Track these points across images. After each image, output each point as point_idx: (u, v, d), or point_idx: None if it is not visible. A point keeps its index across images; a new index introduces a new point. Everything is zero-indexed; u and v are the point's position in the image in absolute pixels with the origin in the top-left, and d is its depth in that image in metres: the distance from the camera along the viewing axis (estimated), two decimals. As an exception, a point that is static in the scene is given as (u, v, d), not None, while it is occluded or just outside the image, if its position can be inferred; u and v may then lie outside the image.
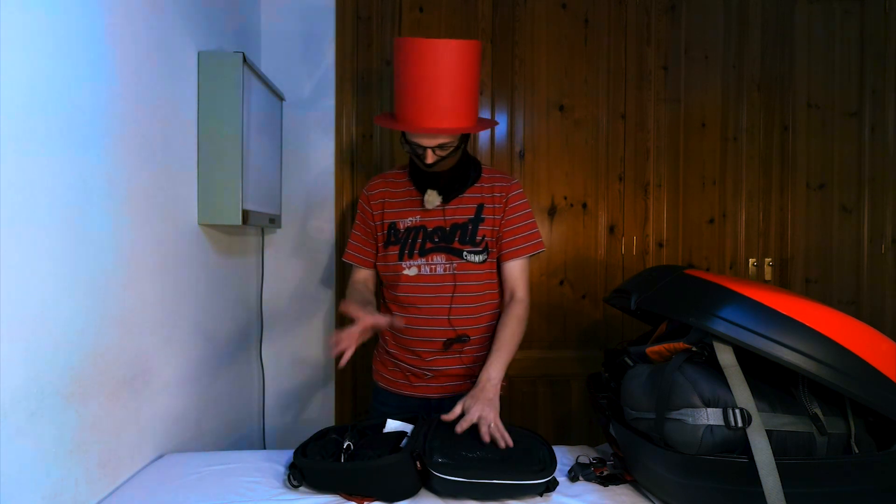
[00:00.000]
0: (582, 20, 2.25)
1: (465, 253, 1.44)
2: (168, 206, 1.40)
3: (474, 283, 1.46)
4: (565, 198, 2.26)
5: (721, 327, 0.99)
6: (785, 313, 0.98)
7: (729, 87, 2.29)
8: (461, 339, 1.44)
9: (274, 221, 1.93)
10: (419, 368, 1.49)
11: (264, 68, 2.10)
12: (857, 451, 0.99)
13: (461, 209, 1.46)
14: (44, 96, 0.95)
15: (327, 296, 2.20)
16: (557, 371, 2.26)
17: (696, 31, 2.28)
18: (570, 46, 2.24)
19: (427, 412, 1.43)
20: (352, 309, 1.32)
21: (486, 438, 1.15)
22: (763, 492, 0.89)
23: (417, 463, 1.07)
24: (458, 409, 1.23)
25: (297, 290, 2.18)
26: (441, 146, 1.35)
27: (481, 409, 1.20)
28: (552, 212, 2.25)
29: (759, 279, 2.29)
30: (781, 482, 0.89)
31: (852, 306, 2.31)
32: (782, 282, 2.30)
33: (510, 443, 1.16)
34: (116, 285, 1.16)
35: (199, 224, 1.56)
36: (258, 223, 1.74)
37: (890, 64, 2.30)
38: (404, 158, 2.21)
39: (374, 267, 1.56)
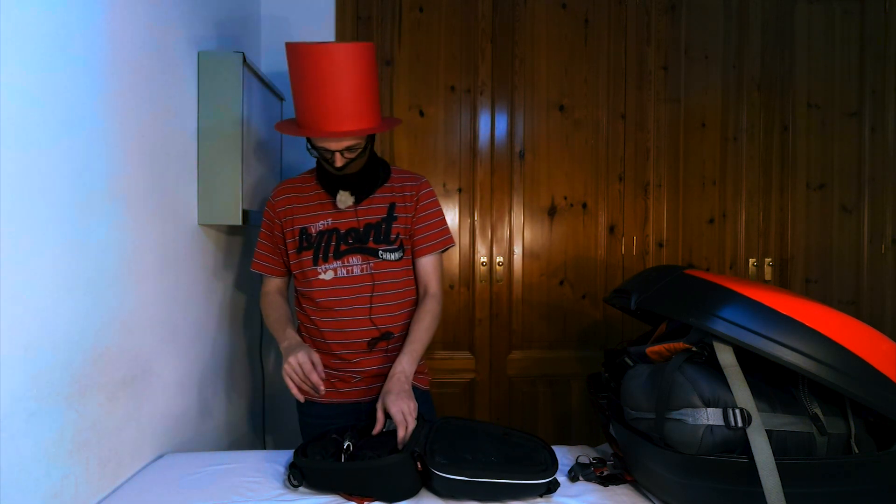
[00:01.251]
0: (582, 20, 2.25)
1: (380, 252, 1.44)
2: (168, 206, 1.40)
3: (393, 281, 1.45)
4: (565, 198, 2.26)
5: (721, 327, 0.99)
6: (785, 313, 0.98)
7: (729, 87, 2.29)
8: (385, 336, 1.44)
9: (274, 221, 1.93)
10: (345, 372, 1.46)
11: (264, 68, 2.10)
12: (857, 451, 0.99)
13: (373, 209, 1.46)
14: (43, 97, 0.95)
15: (327, 296, 2.20)
16: (557, 371, 2.26)
17: (696, 31, 2.28)
18: (570, 46, 2.24)
19: (358, 418, 1.41)
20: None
21: (402, 430, 1.17)
22: (763, 492, 0.89)
23: (418, 463, 1.07)
24: (381, 415, 1.23)
25: (297, 290, 2.18)
26: (349, 148, 1.35)
27: (402, 406, 1.22)
28: (552, 212, 2.26)
29: (759, 279, 2.29)
30: (781, 482, 0.89)
31: (852, 306, 2.31)
32: (782, 282, 2.30)
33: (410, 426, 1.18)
34: (116, 285, 1.16)
35: (199, 224, 1.56)
36: (258, 223, 1.74)
37: (890, 64, 2.30)
38: (404, 160, 2.21)
39: (286, 274, 1.53)
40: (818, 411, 0.99)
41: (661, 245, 2.28)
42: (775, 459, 0.90)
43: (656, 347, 1.14)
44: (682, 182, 2.29)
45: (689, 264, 2.29)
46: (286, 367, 1.28)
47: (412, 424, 1.19)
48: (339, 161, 1.35)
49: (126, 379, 1.20)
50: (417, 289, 1.52)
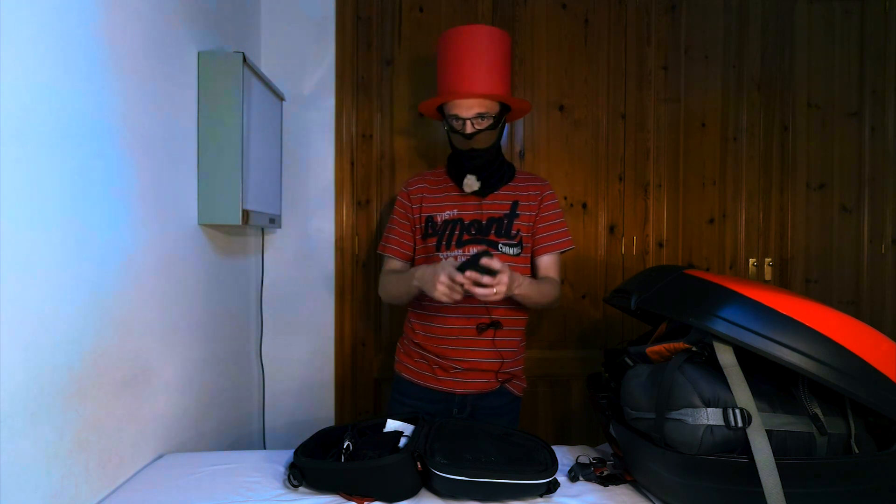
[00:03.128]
0: (582, 20, 2.25)
1: (500, 245, 1.51)
2: (168, 206, 1.40)
3: None
4: (565, 198, 2.26)
5: (721, 327, 0.99)
6: (785, 313, 0.98)
7: (729, 87, 2.29)
8: (495, 325, 1.49)
9: (274, 221, 1.93)
10: (448, 360, 1.50)
11: (264, 68, 2.10)
12: (857, 451, 0.99)
13: (497, 204, 1.53)
14: (43, 97, 0.95)
15: (327, 296, 2.20)
16: (557, 371, 2.26)
17: (696, 31, 2.28)
18: (570, 46, 2.24)
19: (449, 408, 1.48)
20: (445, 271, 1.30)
21: (489, 279, 1.24)
22: (763, 492, 0.89)
23: (418, 463, 1.07)
24: (497, 265, 1.27)
25: (297, 290, 2.18)
26: (479, 116, 1.44)
27: (505, 277, 1.26)
28: (552, 212, 2.25)
29: (759, 279, 2.29)
30: (781, 482, 0.89)
31: (852, 306, 2.31)
32: (782, 282, 2.30)
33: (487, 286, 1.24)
34: (116, 285, 1.17)
35: (199, 224, 1.56)
36: (258, 223, 1.74)
37: (890, 64, 2.30)
38: (404, 160, 2.21)
39: (408, 258, 1.61)
40: (818, 411, 0.99)
41: (661, 245, 2.28)
42: (775, 459, 0.90)
43: (656, 347, 1.14)
44: (682, 182, 2.29)
45: (689, 264, 2.29)
46: (440, 292, 1.30)
47: (499, 289, 1.25)
48: (469, 128, 1.45)
49: (126, 379, 1.20)
50: None
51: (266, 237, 2.13)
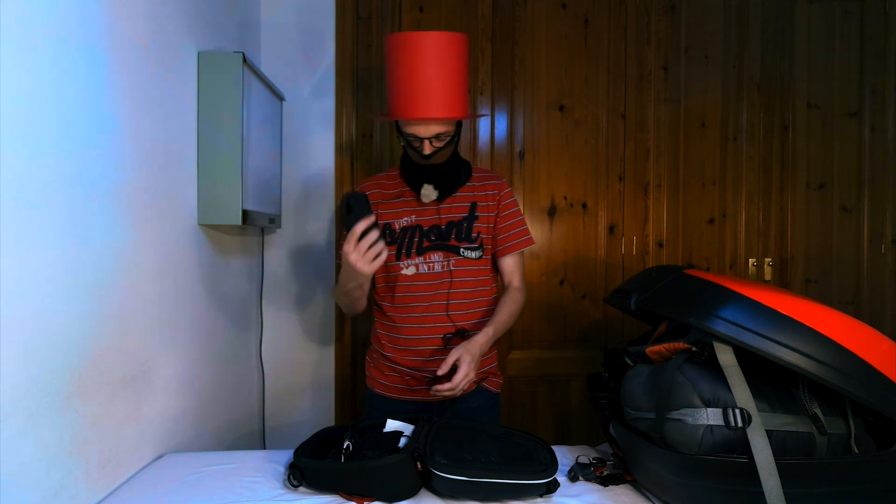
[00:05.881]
0: (582, 20, 2.25)
1: (461, 250, 1.47)
2: (168, 206, 1.40)
3: (470, 279, 1.48)
4: (565, 198, 2.26)
5: (721, 327, 0.99)
6: (785, 313, 0.98)
7: (729, 87, 2.29)
8: (460, 333, 1.46)
9: (274, 221, 1.93)
10: (419, 371, 1.48)
11: (264, 68, 2.10)
12: (857, 451, 0.99)
13: (455, 207, 1.50)
14: (43, 97, 0.95)
15: (327, 296, 2.20)
16: (557, 371, 2.26)
17: (696, 31, 2.28)
18: (570, 46, 2.24)
19: (427, 416, 1.43)
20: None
21: (454, 381, 1.29)
22: (763, 492, 0.89)
23: (418, 463, 1.07)
24: (450, 360, 1.31)
25: (297, 290, 2.18)
26: (437, 136, 1.37)
27: (468, 369, 1.31)
28: (552, 212, 2.25)
29: (759, 279, 2.29)
30: (781, 482, 0.89)
31: (852, 306, 2.31)
32: (782, 282, 2.30)
33: (459, 384, 1.28)
34: (116, 285, 1.16)
35: (199, 224, 1.56)
36: (258, 223, 1.74)
37: (890, 64, 2.31)
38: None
39: None
40: (818, 411, 0.99)
41: (661, 245, 2.28)
42: (775, 459, 0.90)
43: (656, 347, 1.13)
44: (682, 182, 2.29)
45: (689, 264, 2.29)
46: (348, 255, 1.25)
47: (462, 384, 1.29)
48: (427, 148, 1.38)
49: (126, 379, 1.20)
50: (496, 287, 1.57)
51: (266, 237, 2.13)
